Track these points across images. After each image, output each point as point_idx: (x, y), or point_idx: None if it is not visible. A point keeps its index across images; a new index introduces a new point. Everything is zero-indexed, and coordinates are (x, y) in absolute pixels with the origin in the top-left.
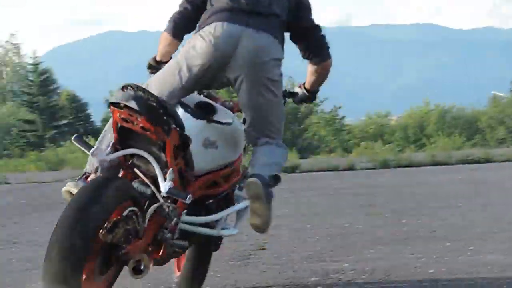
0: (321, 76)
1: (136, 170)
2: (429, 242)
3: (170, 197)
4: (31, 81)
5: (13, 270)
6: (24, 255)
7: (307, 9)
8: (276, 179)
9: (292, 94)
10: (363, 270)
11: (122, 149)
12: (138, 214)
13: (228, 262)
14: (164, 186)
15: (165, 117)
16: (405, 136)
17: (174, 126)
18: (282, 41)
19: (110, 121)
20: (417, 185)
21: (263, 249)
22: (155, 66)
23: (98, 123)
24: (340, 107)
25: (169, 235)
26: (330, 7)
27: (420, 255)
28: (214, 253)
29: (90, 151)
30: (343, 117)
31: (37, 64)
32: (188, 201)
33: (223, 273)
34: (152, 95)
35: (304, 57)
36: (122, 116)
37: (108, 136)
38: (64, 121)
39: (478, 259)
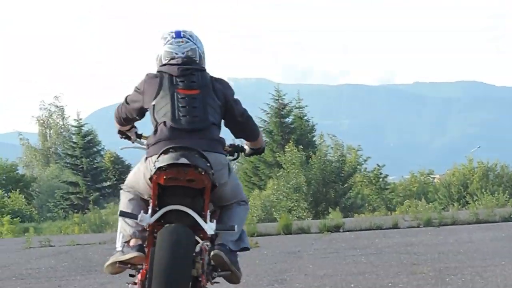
0: (258, 143)
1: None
2: None
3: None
4: (75, 143)
5: None
6: None
7: (234, 104)
8: (237, 243)
9: (242, 149)
10: None
11: (159, 209)
12: (203, 250)
13: None
14: (209, 226)
15: (208, 164)
16: (448, 194)
17: (213, 172)
18: (219, 129)
19: (124, 196)
20: (460, 244)
21: None
22: (121, 132)
23: None
24: (383, 166)
25: (209, 267)
26: (373, 66)
27: None
28: None
29: (138, 219)
30: (386, 176)
31: (81, 126)
32: (236, 230)
33: None
34: (194, 149)
35: (237, 137)
36: (168, 176)
37: (131, 206)
38: (108, 183)
39: None
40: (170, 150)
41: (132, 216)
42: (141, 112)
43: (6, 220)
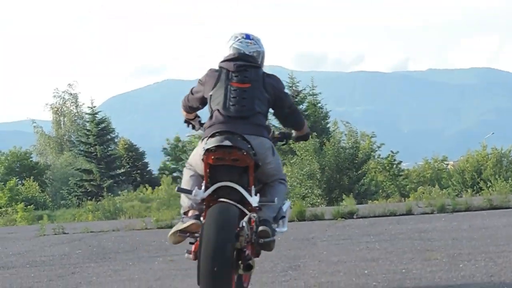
0: (303, 132)
1: (220, 199)
2: (486, 287)
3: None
4: (89, 130)
5: None
6: None
7: (284, 98)
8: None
9: (290, 136)
10: None
11: (211, 185)
12: (246, 224)
13: None
14: (254, 199)
15: (249, 146)
16: (462, 180)
17: (254, 152)
18: (266, 118)
19: (186, 173)
20: (474, 230)
21: None
22: (187, 121)
23: (155, 171)
24: (397, 152)
25: (256, 237)
26: (387, 53)
27: None
28: None
29: (193, 194)
30: (399, 162)
31: (95, 113)
32: (276, 202)
33: None
34: (237, 133)
35: (285, 126)
36: (216, 156)
37: (191, 182)
38: (121, 170)
39: None
40: (216, 134)
41: (187, 191)
42: (203, 102)
43: (20, 208)
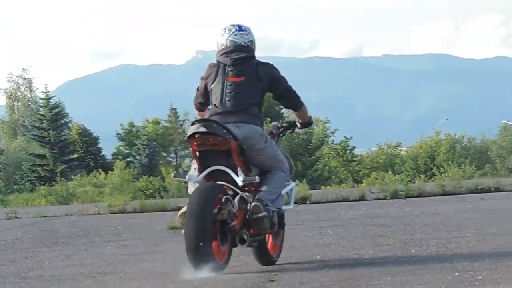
0: (303, 115)
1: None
2: (438, 272)
3: (245, 188)
4: (42, 115)
5: None
6: None
7: (278, 82)
8: (274, 202)
9: (295, 124)
10: None
11: (204, 170)
12: (231, 200)
13: None
14: (238, 179)
15: (224, 131)
16: (415, 166)
17: (231, 137)
18: (259, 107)
19: (193, 164)
20: (427, 215)
21: (272, 280)
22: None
23: (108, 156)
24: (351, 138)
25: (251, 215)
26: (341, 38)
27: (429, 286)
28: (224, 287)
29: (187, 178)
30: (353, 148)
31: (49, 98)
32: (257, 180)
33: None
34: (213, 120)
35: (285, 107)
36: (198, 142)
37: (192, 166)
38: (75, 155)
39: None
40: (195, 122)
41: (182, 177)
42: (208, 97)
43: None
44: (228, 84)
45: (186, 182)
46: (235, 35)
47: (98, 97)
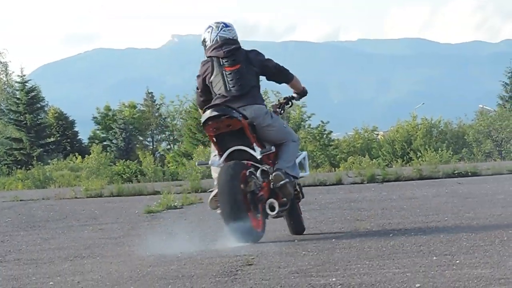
0: (296, 85)
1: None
2: (415, 256)
3: (264, 162)
4: (19, 99)
5: None
6: (11, 274)
7: (267, 63)
8: (292, 169)
9: (292, 97)
10: (349, 285)
11: (223, 153)
12: (254, 173)
13: (215, 278)
14: (256, 153)
15: (234, 111)
16: (392, 150)
17: (241, 115)
18: (259, 89)
19: (212, 152)
20: (404, 200)
21: (250, 264)
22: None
23: (85, 140)
24: (327, 123)
25: (274, 183)
26: (317, 22)
27: (407, 270)
28: (201, 270)
29: (210, 163)
30: (330, 132)
31: (25, 82)
32: (273, 150)
33: None
34: (222, 104)
35: (279, 83)
36: (213, 127)
37: (211, 154)
38: (51, 139)
39: (464, 273)
40: (206, 109)
41: (205, 163)
42: (209, 91)
43: None
44: (227, 73)
45: (209, 168)
46: (224, 31)
47: (74, 81)
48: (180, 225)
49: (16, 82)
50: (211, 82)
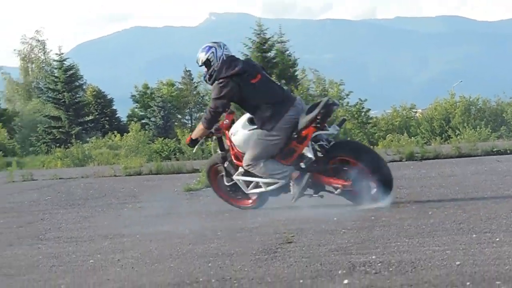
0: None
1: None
2: (455, 234)
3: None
4: (57, 77)
5: (40, 267)
6: (51, 252)
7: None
8: None
9: None
10: (389, 263)
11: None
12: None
13: (255, 256)
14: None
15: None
16: (430, 128)
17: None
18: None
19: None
20: (443, 177)
21: (290, 242)
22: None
23: (123, 118)
24: (365, 100)
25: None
26: (355, 1)
27: (446, 247)
28: (241, 248)
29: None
30: (368, 110)
31: (63, 60)
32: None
33: (251, 267)
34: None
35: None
36: (315, 124)
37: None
38: (90, 117)
39: (504, 251)
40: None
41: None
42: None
43: None
44: (258, 84)
45: None
46: (226, 49)
47: (111, 59)
48: (219, 203)
49: (54, 60)
50: (243, 98)
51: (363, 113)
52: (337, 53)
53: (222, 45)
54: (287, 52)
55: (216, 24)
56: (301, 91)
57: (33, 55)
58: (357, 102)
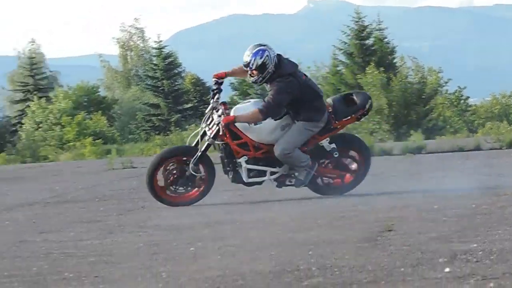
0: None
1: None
2: None
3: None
4: (156, 65)
5: (140, 254)
6: (151, 240)
7: None
8: None
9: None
10: (491, 251)
11: None
12: None
13: (356, 244)
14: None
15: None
16: None
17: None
18: None
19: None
20: None
21: (390, 230)
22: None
23: None
24: (464, 88)
25: None
26: None
27: None
28: (342, 236)
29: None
30: (467, 98)
31: (161, 48)
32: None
33: (352, 255)
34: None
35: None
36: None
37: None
38: (189, 105)
39: None
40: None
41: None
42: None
43: (88, 142)
44: (306, 80)
45: None
46: (272, 50)
47: (209, 47)
48: None
49: (153, 48)
50: (304, 92)
51: (462, 101)
52: (435, 40)
53: (269, 46)
54: (386, 39)
55: (314, 12)
56: (400, 79)
57: (132, 43)
58: (456, 90)
